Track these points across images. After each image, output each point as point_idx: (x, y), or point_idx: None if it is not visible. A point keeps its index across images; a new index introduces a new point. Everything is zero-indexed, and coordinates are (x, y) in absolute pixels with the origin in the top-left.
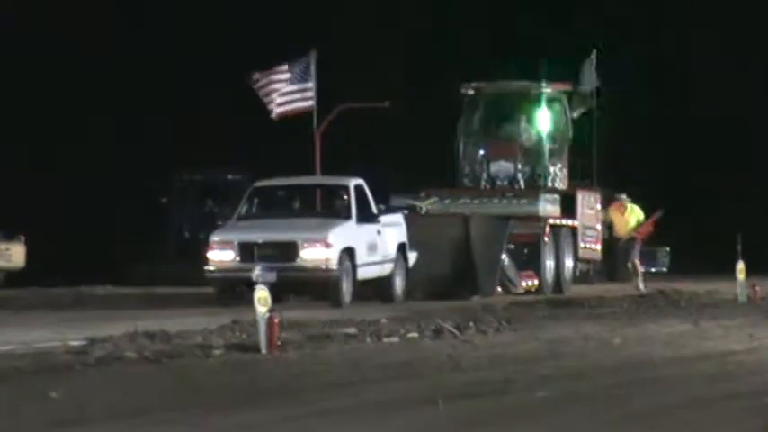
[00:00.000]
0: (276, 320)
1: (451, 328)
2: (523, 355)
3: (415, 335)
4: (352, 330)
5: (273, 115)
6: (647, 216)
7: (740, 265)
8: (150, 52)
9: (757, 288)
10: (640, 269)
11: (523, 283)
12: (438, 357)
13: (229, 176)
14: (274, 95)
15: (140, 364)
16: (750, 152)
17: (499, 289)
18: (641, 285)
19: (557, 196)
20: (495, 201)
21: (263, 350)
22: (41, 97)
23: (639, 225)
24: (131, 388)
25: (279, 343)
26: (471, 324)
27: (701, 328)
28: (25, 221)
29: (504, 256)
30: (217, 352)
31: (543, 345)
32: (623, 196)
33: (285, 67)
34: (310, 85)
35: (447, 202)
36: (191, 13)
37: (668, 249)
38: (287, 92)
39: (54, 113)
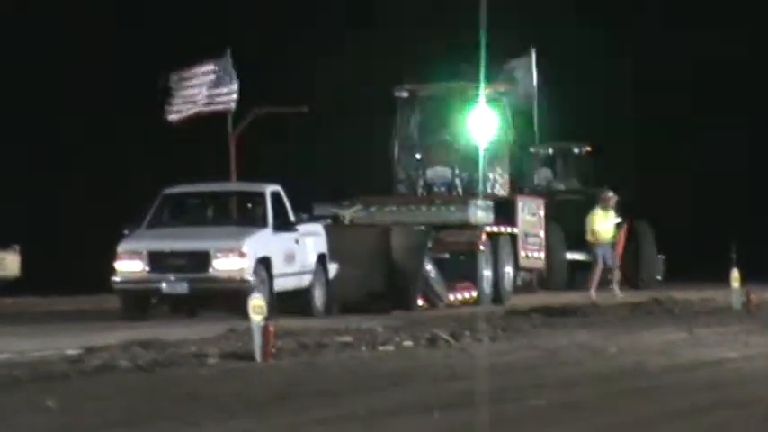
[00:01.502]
0: (271, 329)
1: (446, 337)
2: (518, 364)
3: (410, 343)
4: (347, 339)
5: (177, 118)
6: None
7: (735, 273)
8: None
9: (752, 296)
10: (618, 275)
11: (458, 295)
12: (433, 366)
13: None
14: (197, 95)
15: (135, 373)
16: (746, 158)
17: (421, 302)
18: (618, 291)
19: (490, 203)
20: (424, 208)
21: (258, 358)
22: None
23: (617, 232)
24: (127, 397)
25: (274, 351)
26: (467, 333)
27: (696, 335)
28: (22, 230)
29: (429, 267)
30: (211, 361)
31: (538, 353)
32: (610, 194)
33: (211, 66)
34: (235, 87)
35: (372, 210)
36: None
37: (663, 257)
38: (213, 94)
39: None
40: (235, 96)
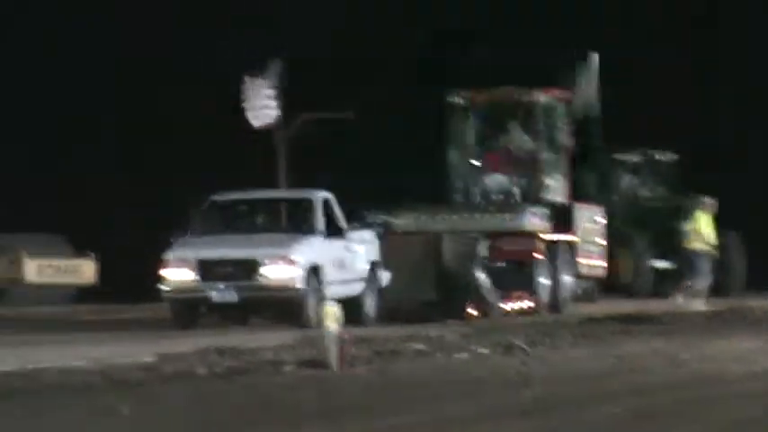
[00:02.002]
0: (346, 336)
1: (522, 344)
2: (594, 371)
3: (485, 351)
4: (421, 347)
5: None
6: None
7: None
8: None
9: None
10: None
11: (512, 305)
12: (508, 373)
13: None
14: (257, 106)
15: (211, 381)
16: None
17: (475, 312)
18: (696, 301)
19: (545, 210)
20: (477, 216)
21: (333, 367)
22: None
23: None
24: (202, 404)
25: (349, 359)
26: (544, 340)
27: None
28: (100, 237)
29: (481, 275)
30: (287, 368)
31: (614, 360)
32: (712, 200)
33: (260, 79)
34: (276, 93)
35: (424, 218)
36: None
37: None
38: (259, 102)
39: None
40: (273, 104)
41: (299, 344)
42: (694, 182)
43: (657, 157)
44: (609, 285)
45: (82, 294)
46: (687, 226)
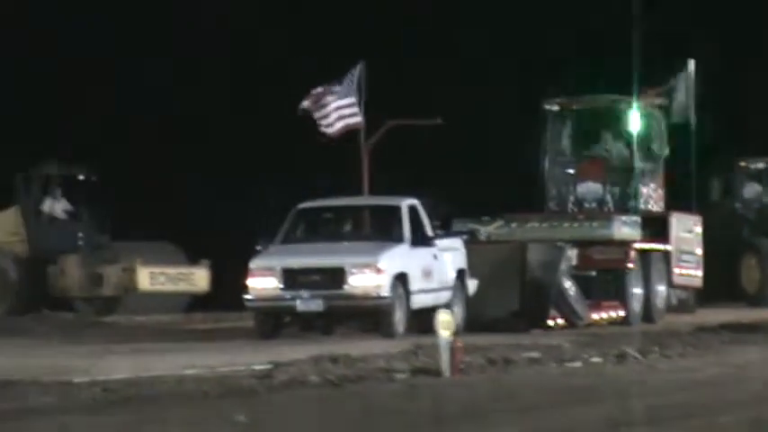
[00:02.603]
0: (459, 344)
1: (635, 353)
2: (708, 380)
3: (598, 360)
4: (534, 355)
5: (331, 133)
6: None
7: None
8: None
9: None
10: None
11: (602, 314)
12: (621, 382)
13: None
14: (331, 114)
15: (324, 389)
16: None
17: (561, 321)
18: None
19: (636, 218)
20: (566, 225)
21: (446, 374)
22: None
23: None
24: (316, 412)
25: (461, 367)
26: (655, 349)
27: None
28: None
29: (567, 284)
30: (400, 376)
31: (728, 369)
32: None
33: (337, 85)
34: (356, 99)
35: (513, 226)
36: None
37: None
38: (337, 107)
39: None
40: (356, 109)
41: (411, 351)
42: None
43: None
44: (732, 295)
45: (196, 302)
46: None
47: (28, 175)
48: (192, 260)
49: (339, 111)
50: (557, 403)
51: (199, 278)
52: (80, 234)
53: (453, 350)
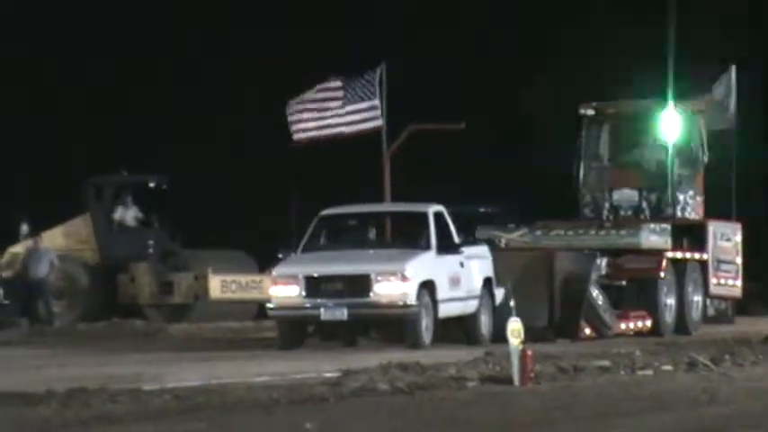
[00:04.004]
0: (529, 353)
1: (706, 362)
2: None
3: (669, 368)
4: (605, 363)
5: (299, 138)
6: None
7: None
8: None
9: None
10: None
11: (630, 324)
12: (692, 390)
13: None
14: (326, 114)
15: (394, 396)
16: None
17: (589, 331)
18: None
19: (666, 227)
20: (593, 232)
21: (517, 382)
22: None
23: None
24: (386, 420)
25: (532, 375)
26: (727, 357)
27: None
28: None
29: (596, 294)
30: (470, 384)
31: None
32: None
33: (338, 83)
34: (376, 102)
35: (538, 234)
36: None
37: None
38: (352, 110)
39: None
40: (377, 113)
41: (482, 359)
42: None
43: None
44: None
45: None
46: None
47: (98, 183)
48: (263, 268)
49: (354, 115)
50: (628, 412)
51: (266, 286)
52: (150, 242)
53: (524, 358)
